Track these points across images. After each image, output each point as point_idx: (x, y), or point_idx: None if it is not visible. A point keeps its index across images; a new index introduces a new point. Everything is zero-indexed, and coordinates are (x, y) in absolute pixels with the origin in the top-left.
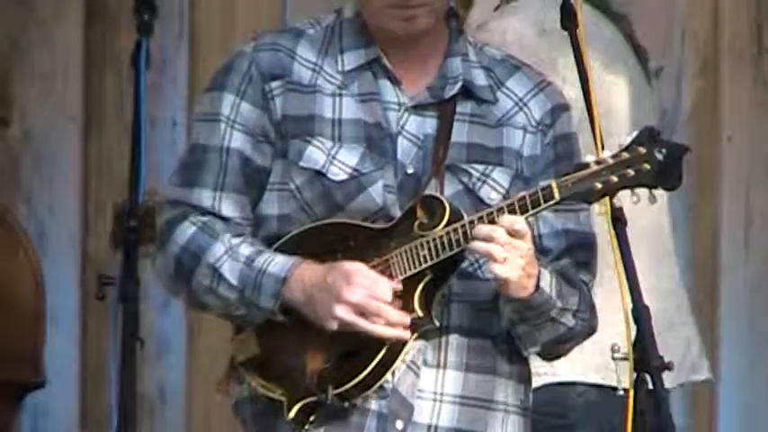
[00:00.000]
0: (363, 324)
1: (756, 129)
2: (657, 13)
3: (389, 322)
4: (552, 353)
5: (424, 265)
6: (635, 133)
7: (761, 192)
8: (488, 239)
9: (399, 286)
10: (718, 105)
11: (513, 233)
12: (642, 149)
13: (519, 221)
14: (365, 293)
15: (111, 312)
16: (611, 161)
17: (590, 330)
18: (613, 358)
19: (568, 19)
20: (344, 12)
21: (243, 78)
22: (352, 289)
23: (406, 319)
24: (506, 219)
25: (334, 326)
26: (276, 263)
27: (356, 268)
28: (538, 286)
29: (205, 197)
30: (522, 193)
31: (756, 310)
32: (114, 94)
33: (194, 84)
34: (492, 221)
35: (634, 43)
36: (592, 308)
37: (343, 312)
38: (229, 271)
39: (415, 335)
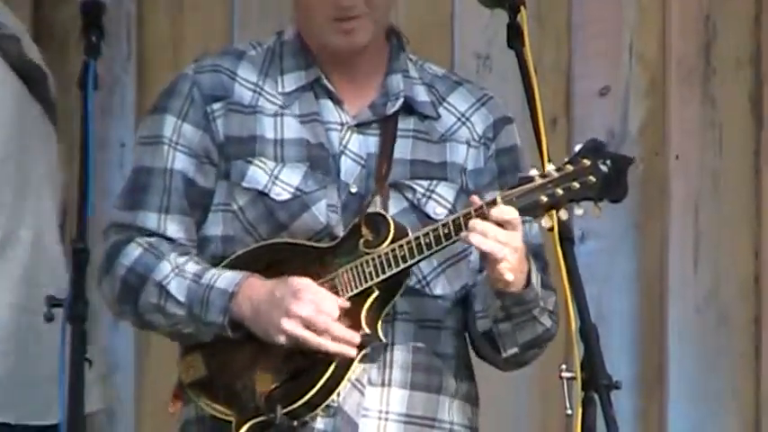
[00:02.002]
0: (311, 338)
1: (704, 148)
2: (605, 32)
3: (337, 338)
4: (524, 358)
5: (370, 282)
6: (579, 146)
7: (709, 211)
8: (487, 236)
9: (347, 303)
10: (666, 124)
11: (504, 225)
12: (587, 162)
13: (511, 212)
14: (313, 308)
15: (60, 333)
16: (555, 174)
17: (554, 336)
18: (560, 377)
19: (515, 38)
20: (285, 33)
21: (185, 100)
22: (301, 303)
23: (355, 336)
24: (497, 210)
25: (282, 340)
26: (224, 278)
27: (305, 284)
28: (529, 282)
29: (150, 219)
30: (467, 209)
31: (704, 329)
32: (62, 117)
33: (143, 105)
34: (437, 237)
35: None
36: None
37: (290, 326)
38: (177, 288)
39: (363, 352)
